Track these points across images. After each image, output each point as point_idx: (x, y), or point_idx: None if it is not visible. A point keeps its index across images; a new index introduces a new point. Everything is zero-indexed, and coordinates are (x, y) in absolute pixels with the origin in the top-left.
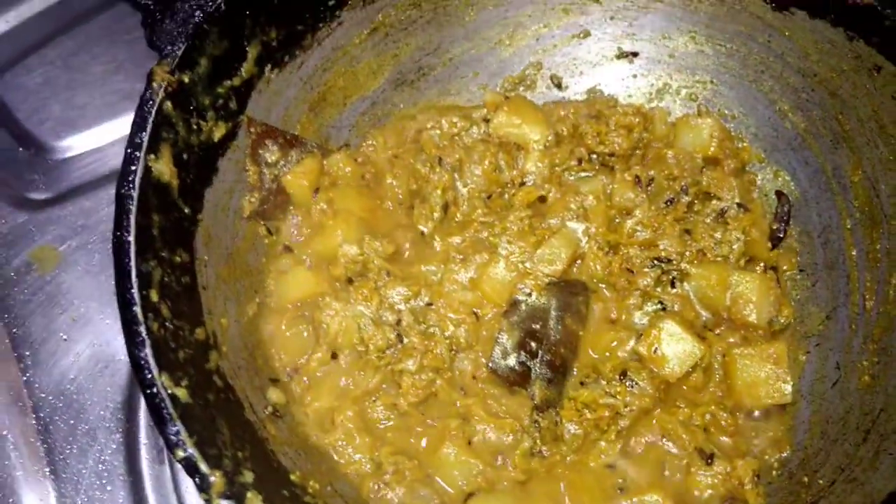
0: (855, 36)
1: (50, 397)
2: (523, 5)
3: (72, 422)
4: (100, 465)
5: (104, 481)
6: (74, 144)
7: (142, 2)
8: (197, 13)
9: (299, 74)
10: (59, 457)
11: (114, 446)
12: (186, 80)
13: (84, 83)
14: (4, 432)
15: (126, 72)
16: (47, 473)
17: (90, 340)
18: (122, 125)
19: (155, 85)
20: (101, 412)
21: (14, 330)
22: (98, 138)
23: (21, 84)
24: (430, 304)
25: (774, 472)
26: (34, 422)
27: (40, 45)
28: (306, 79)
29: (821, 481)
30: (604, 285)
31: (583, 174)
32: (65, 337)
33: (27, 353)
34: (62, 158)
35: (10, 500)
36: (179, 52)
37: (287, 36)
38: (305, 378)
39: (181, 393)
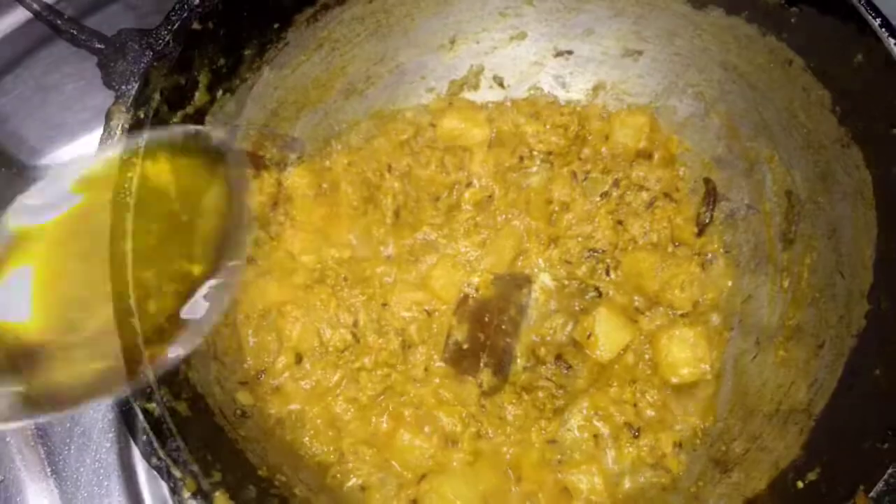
0: (767, 31)
1: None
2: (461, 12)
3: (68, 424)
4: (96, 463)
5: (101, 477)
6: (52, 162)
7: (96, 47)
8: (147, 52)
9: (251, 95)
10: (59, 457)
11: (108, 444)
12: (142, 115)
13: (58, 102)
14: (7, 438)
15: (96, 89)
16: (49, 473)
17: None
18: (96, 140)
19: (112, 124)
20: (94, 414)
21: None
22: (75, 154)
23: None
24: (384, 305)
25: (698, 441)
26: (33, 425)
27: (13, 67)
28: (258, 98)
29: (737, 450)
30: (545, 276)
31: (525, 171)
32: None
33: None
34: (42, 177)
35: (17, 499)
36: (133, 91)
37: (235, 61)
38: (272, 380)
39: (151, 407)
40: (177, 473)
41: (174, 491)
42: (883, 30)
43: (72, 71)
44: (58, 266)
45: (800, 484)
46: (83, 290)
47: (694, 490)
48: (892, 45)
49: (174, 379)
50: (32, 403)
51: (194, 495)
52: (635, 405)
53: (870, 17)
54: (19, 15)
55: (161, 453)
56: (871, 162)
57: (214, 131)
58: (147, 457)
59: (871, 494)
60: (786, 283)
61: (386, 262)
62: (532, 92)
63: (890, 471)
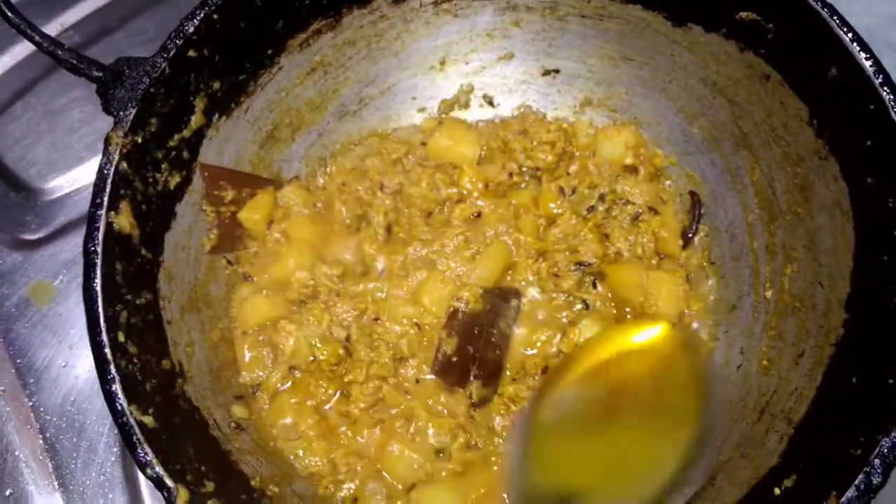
0: (745, 47)
1: (54, 419)
2: (449, 34)
3: (74, 439)
4: (101, 476)
5: (106, 490)
6: (61, 185)
7: (94, 75)
8: (144, 79)
9: (246, 118)
10: (66, 471)
11: (112, 458)
12: (140, 139)
13: (65, 127)
14: (17, 452)
15: (101, 115)
16: (56, 486)
17: (87, 364)
18: None
19: (111, 149)
20: (100, 429)
21: (18, 361)
22: (81, 177)
23: (8, 132)
24: (375, 319)
25: None
26: (42, 441)
27: (22, 94)
28: (253, 121)
29: (720, 457)
30: (534, 290)
31: (514, 187)
32: (64, 363)
33: (31, 380)
34: (50, 199)
35: None
36: (131, 117)
37: (231, 86)
38: (267, 394)
39: (148, 420)
40: (170, 483)
41: (168, 500)
42: (854, 44)
43: (78, 96)
44: None
45: (777, 491)
46: None
47: None
48: (863, 59)
49: (170, 391)
50: None
51: None
52: None
53: (841, 33)
54: (27, 45)
55: (155, 464)
56: (848, 173)
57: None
58: (142, 467)
59: (843, 500)
60: (768, 294)
61: (378, 278)
62: (521, 110)
63: (861, 476)
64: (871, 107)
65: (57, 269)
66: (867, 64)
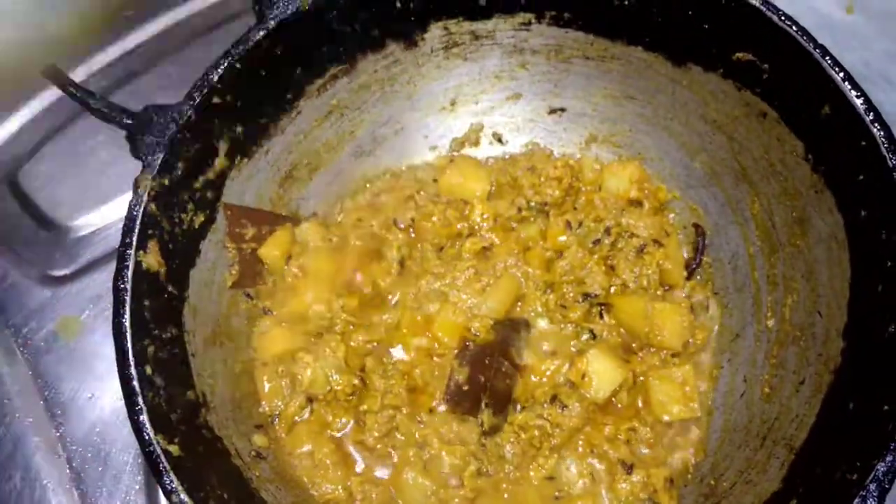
0: (742, 86)
1: (80, 448)
2: (459, 76)
3: (100, 468)
4: None
5: None
6: (87, 223)
7: (124, 122)
8: (171, 125)
9: (267, 159)
10: (91, 499)
11: (137, 487)
12: (167, 182)
13: (92, 168)
14: (45, 481)
15: (128, 155)
16: None
17: (112, 396)
18: (126, 202)
19: (140, 191)
20: (125, 458)
21: (46, 393)
22: (106, 216)
23: (38, 173)
24: (390, 350)
25: (689, 476)
26: (69, 471)
27: (51, 136)
28: (273, 162)
29: (725, 484)
30: (542, 321)
31: (523, 222)
32: (90, 395)
33: (59, 411)
34: (78, 237)
35: None
36: (158, 161)
37: (252, 130)
38: (285, 423)
39: (174, 449)
40: None
41: None
42: (846, 83)
43: (105, 139)
44: None
45: None
46: None
47: None
48: (854, 98)
49: (194, 421)
50: None
51: None
52: (628, 442)
53: (833, 72)
54: (57, 90)
55: (181, 491)
56: (843, 206)
57: None
58: (168, 495)
59: None
60: (770, 323)
61: (392, 310)
62: (529, 147)
63: (857, 501)
64: (863, 143)
65: (83, 305)
66: (858, 102)
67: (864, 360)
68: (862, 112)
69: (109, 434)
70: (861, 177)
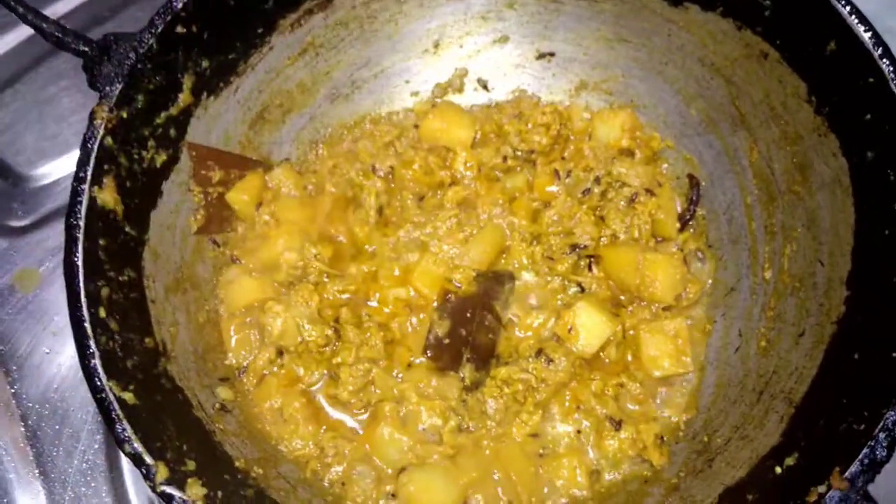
0: (742, 25)
1: (36, 406)
2: (444, 16)
3: (57, 427)
4: (84, 464)
5: (88, 478)
6: (48, 173)
7: (80, 49)
8: (131, 54)
9: (236, 98)
10: (48, 459)
11: (96, 446)
12: (125, 115)
13: (54, 115)
14: None
15: (91, 101)
16: (37, 475)
17: (70, 352)
18: None
19: (95, 123)
20: (83, 416)
21: (1, 347)
22: (69, 166)
23: None
24: (366, 301)
25: (680, 433)
26: (23, 429)
27: (13, 82)
28: (243, 101)
29: (718, 440)
30: (528, 273)
31: (509, 171)
32: (47, 350)
33: (14, 367)
34: (37, 186)
35: (5, 501)
36: (117, 92)
37: (220, 65)
38: (254, 376)
39: (128, 396)
40: (149, 460)
41: (147, 477)
42: (853, 17)
43: (68, 85)
44: None
45: (778, 469)
46: None
47: (675, 481)
48: (862, 32)
49: (152, 370)
50: None
51: (167, 482)
52: (617, 398)
53: (839, 6)
54: (19, 33)
55: (134, 440)
56: (848, 148)
57: None
58: (121, 443)
59: (846, 475)
60: (767, 275)
61: (369, 261)
62: (515, 93)
63: (865, 451)
64: (871, 79)
65: (42, 256)
66: (866, 36)
67: (869, 308)
68: (870, 47)
69: (67, 392)
70: (868, 116)
